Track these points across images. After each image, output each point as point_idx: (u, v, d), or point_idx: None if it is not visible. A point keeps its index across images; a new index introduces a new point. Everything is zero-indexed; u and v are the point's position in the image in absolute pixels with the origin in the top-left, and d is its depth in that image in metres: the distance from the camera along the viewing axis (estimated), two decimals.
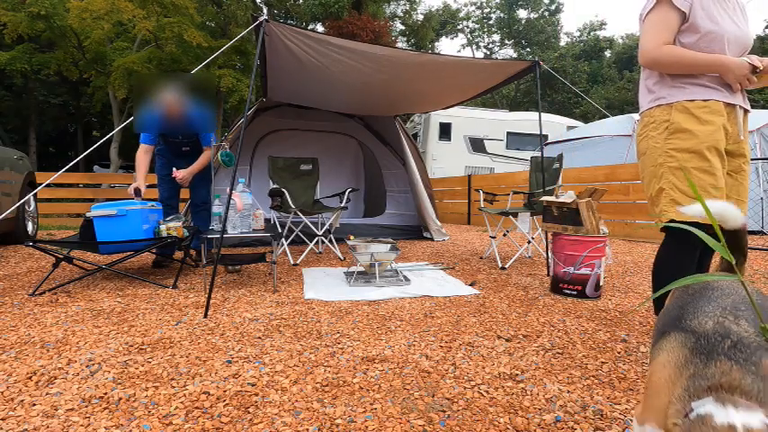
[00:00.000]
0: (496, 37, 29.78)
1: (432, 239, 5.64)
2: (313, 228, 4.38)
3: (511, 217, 3.87)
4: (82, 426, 1.19)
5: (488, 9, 29.16)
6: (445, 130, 10.86)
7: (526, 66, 3.72)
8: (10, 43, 12.32)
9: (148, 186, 4.02)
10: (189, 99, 3.25)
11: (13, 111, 17.08)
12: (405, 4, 23.63)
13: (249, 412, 1.28)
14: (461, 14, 29.31)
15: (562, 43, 27.89)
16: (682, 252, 1.58)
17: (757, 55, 1.57)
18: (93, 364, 1.59)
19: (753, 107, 1.83)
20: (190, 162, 3.36)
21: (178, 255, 3.63)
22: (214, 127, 3.47)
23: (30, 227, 4.91)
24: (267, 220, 3.41)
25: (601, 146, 6.59)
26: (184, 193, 3.65)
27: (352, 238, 3.60)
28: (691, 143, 1.52)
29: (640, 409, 0.77)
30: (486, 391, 1.43)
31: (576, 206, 2.72)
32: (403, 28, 24.24)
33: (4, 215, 3.33)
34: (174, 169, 3.27)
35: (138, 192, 3.11)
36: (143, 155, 3.29)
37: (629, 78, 24.78)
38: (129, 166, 14.42)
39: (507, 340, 1.91)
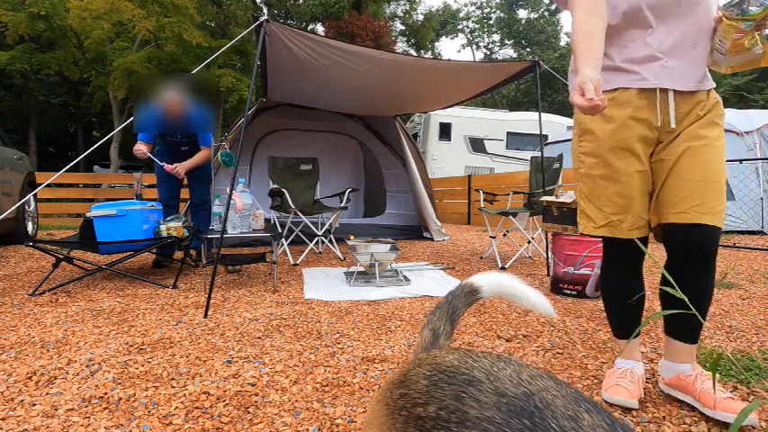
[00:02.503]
0: (496, 37, 29.77)
1: (432, 239, 5.64)
2: (313, 228, 4.38)
3: (511, 217, 3.88)
4: (82, 426, 1.19)
5: (488, 9, 29.15)
6: (445, 130, 10.85)
7: (526, 66, 3.72)
8: (10, 43, 12.31)
9: (148, 186, 4.02)
10: (188, 99, 3.26)
11: (13, 111, 17.07)
12: (405, 4, 23.63)
13: (249, 412, 1.28)
14: (461, 14, 29.30)
15: (562, 43, 27.83)
16: (609, 266, 1.44)
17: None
18: (93, 364, 1.59)
19: (752, 107, 1.67)
20: None
21: (178, 255, 3.63)
22: (213, 127, 3.48)
23: (30, 227, 4.91)
24: (267, 220, 3.41)
25: None
26: (184, 194, 3.65)
27: (352, 238, 3.60)
28: (593, 146, 1.32)
29: None
30: None
31: (576, 206, 2.72)
32: (403, 28, 24.24)
33: (4, 215, 3.33)
34: (164, 164, 3.27)
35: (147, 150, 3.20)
36: (141, 144, 3.31)
37: None
38: (129, 166, 14.42)
39: (507, 340, 1.91)
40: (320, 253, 4.52)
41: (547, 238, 3.45)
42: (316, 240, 4.46)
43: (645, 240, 1.34)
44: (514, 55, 28.32)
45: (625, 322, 1.43)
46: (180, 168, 3.29)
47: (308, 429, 1.19)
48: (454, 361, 0.51)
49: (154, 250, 3.37)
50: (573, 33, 1.21)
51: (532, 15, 28.07)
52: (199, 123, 3.32)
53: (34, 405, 1.30)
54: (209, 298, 2.28)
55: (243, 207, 2.80)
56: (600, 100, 1.02)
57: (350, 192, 4.43)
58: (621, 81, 1.28)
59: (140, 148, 3.21)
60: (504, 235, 4.45)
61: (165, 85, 3.21)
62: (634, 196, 1.29)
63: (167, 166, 3.24)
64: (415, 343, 0.74)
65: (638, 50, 1.26)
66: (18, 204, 3.98)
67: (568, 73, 1.40)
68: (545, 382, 0.45)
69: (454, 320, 0.73)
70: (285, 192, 4.05)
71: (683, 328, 1.31)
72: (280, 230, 4.27)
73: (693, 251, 1.24)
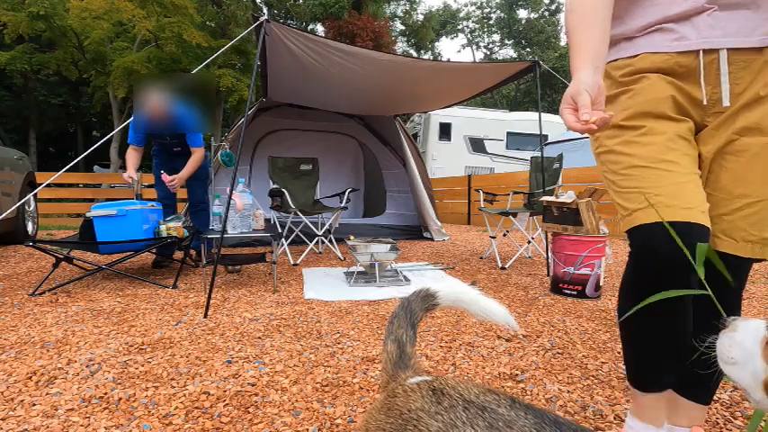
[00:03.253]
0: (496, 37, 29.79)
1: (432, 239, 5.64)
2: (313, 228, 4.38)
3: (511, 217, 3.88)
4: (82, 426, 1.19)
5: (488, 9, 29.18)
6: (445, 130, 10.85)
7: (526, 66, 3.72)
8: (10, 43, 12.31)
9: (147, 186, 4.03)
10: (173, 99, 3.19)
11: (13, 111, 17.07)
12: (405, 4, 23.65)
13: (249, 412, 1.28)
14: (461, 14, 29.34)
15: (562, 43, 27.82)
16: (641, 278, 0.93)
17: None
18: (93, 364, 1.59)
19: None
20: (184, 162, 3.33)
21: (178, 255, 3.63)
22: (201, 127, 3.43)
23: (30, 227, 4.91)
24: (267, 220, 3.41)
25: None
26: (183, 194, 3.64)
27: (352, 238, 3.60)
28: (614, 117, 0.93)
29: None
30: None
31: (576, 206, 2.72)
32: (403, 28, 24.26)
33: (4, 215, 3.33)
34: (163, 173, 3.27)
35: (131, 180, 3.21)
36: (132, 152, 3.33)
37: None
38: None
39: (507, 340, 1.91)
40: (320, 253, 4.52)
41: (547, 238, 3.45)
42: (316, 240, 4.46)
43: (705, 232, 0.84)
44: (514, 55, 28.32)
45: (653, 365, 0.95)
46: (177, 181, 3.26)
47: (307, 429, 1.19)
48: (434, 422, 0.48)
49: (154, 250, 3.37)
50: (566, 12, 0.91)
51: (532, 15, 28.09)
52: (185, 124, 3.27)
53: (34, 405, 1.30)
54: (209, 298, 2.28)
55: (243, 207, 2.80)
56: (599, 121, 0.73)
57: (350, 192, 4.44)
58: (646, 45, 0.92)
59: (127, 173, 3.24)
60: (504, 235, 4.45)
61: (150, 86, 3.19)
62: (683, 172, 0.86)
63: (165, 178, 3.23)
64: (381, 359, 0.72)
65: (672, 5, 0.88)
66: (18, 204, 3.98)
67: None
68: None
69: (415, 324, 0.71)
70: (285, 192, 4.05)
71: (700, 383, 0.97)
72: (280, 230, 4.27)
73: (737, 293, 0.95)
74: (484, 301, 0.69)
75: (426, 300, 0.72)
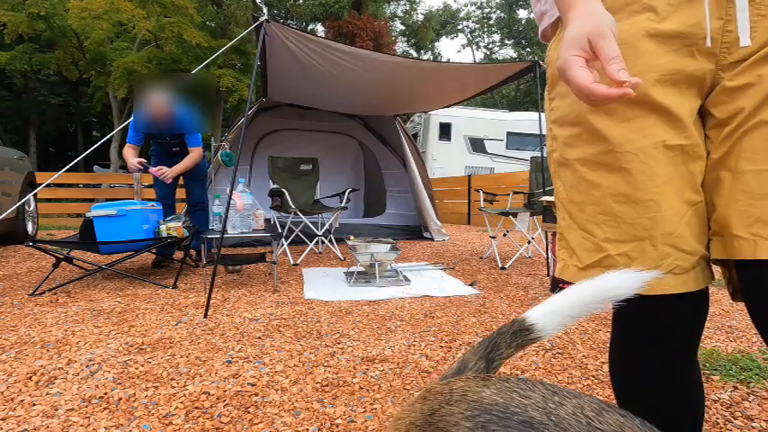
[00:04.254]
0: (496, 37, 29.78)
1: (432, 239, 5.64)
2: (313, 228, 4.38)
3: (511, 217, 3.88)
4: (82, 426, 1.19)
5: (488, 9, 29.17)
6: (445, 130, 10.85)
7: (526, 66, 3.72)
8: (10, 43, 12.31)
9: (147, 186, 4.03)
10: (174, 99, 3.21)
11: (13, 111, 17.08)
12: (405, 4, 23.66)
13: (249, 412, 1.28)
14: (461, 14, 29.32)
15: None
16: (628, 344, 0.72)
17: None
18: (93, 364, 1.59)
19: None
20: None
21: (178, 255, 3.63)
22: (200, 127, 3.44)
23: (30, 227, 4.91)
24: (267, 220, 3.41)
25: None
26: (182, 194, 3.64)
27: (352, 238, 3.60)
28: (567, 104, 0.68)
29: None
30: None
31: None
32: (403, 28, 24.26)
33: (4, 215, 3.33)
34: (150, 167, 3.26)
35: (141, 165, 3.20)
36: (130, 149, 3.31)
37: None
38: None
39: None
40: (320, 253, 4.52)
41: (547, 238, 3.45)
42: (316, 240, 4.46)
43: (700, 297, 0.64)
44: (514, 55, 28.31)
45: None
46: (169, 173, 3.24)
47: (307, 429, 1.19)
48: (496, 397, 0.40)
49: (154, 250, 3.37)
50: None
51: (532, 15, 27.99)
52: (185, 124, 3.28)
53: (34, 405, 1.30)
54: (209, 298, 2.28)
55: (243, 207, 2.80)
56: (633, 82, 0.48)
57: (350, 192, 4.44)
58: None
59: (130, 162, 3.21)
60: (504, 235, 4.45)
61: (151, 86, 3.19)
62: (657, 200, 0.60)
63: (152, 169, 3.21)
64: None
65: None
66: (18, 204, 3.98)
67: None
68: (615, 416, 0.36)
69: (491, 360, 0.55)
70: (285, 192, 4.05)
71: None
72: (280, 230, 4.27)
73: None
74: (593, 289, 0.50)
75: (519, 335, 0.55)
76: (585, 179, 0.65)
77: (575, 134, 0.67)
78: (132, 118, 3.22)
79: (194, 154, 3.33)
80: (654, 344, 0.67)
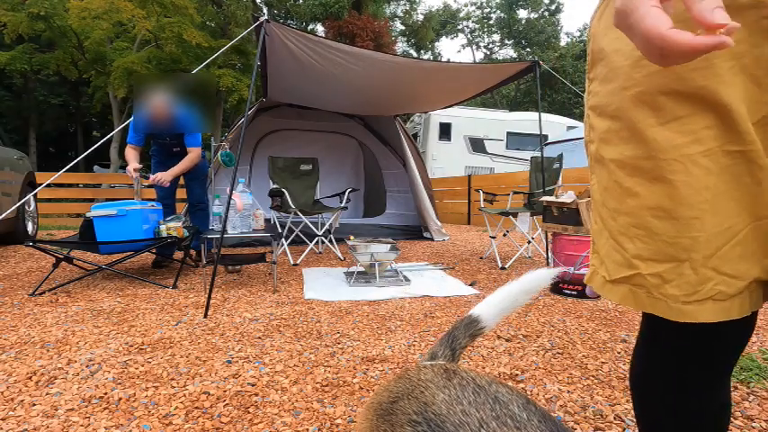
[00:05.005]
0: (496, 37, 29.78)
1: (432, 239, 5.64)
2: (313, 228, 4.38)
3: (511, 217, 3.88)
4: (82, 426, 1.19)
5: (488, 9, 29.17)
6: (445, 130, 10.85)
7: (526, 66, 3.73)
8: (10, 43, 12.31)
9: (147, 186, 4.03)
10: (174, 99, 3.21)
11: (13, 111, 17.07)
12: (405, 4, 23.65)
13: (249, 412, 1.28)
14: (461, 14, 29.33)
15: (562, 43, 27.83)
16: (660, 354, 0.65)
17: None
18: (93, 364, 1.59)
19: None
20: None
21: (178, 255, 3.63)
22: (200, 128, 3.44)
23: (30, 227, 4.91)
24: (267, 220, 3.41)
25: None
26: (182, 194, 3.64)
27: (352, 238, 3.60)
28: (609, 91, 0.58)
29: None
30: None
31: (576, 206, 2.72)
32: (403, 28, 24.26)
33: (4, 215, 3.33)
34: (149, 175, 3.28)
35: (137, 171, 3.23)
36: (131, 150, 3.33)
37: None
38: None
39: (507, 340, 1.91)
40: (320, 253, 4.52)
41: (547, 238, 3.45)
42: (316, 240, 4.46)
43: (747, 318, 0.57)
44: (514, 55, 28.32)
45: None
46: (166, 177, 3.23)
47: (307, 429, 1.19)
48: (443, 406, 0.44)
49: (154, 250, 3.37)
50: None
51: (532, 15, 28.08)
52: (184, 124, 3.28)
53: (34, 405, 1.30)
54: (209, 298, 2.28)
55: (243, 207, 2.80)
56: (732, 26, 0.37)
57: (350, 192, 4.44)
58: None
59: (128, 168, 3.25)
60: (504, 235, 4.45)
61: (152, 86, 3.20)
62: (702, 217, 0.50)
63: (151, 177, 3.23)
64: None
65: None
66: (18, 204, 3.98)
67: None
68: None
69: (455, 349, 0.68)
70: (285, 192, 4.05)
71: None
72: (280, 230, 4.27)
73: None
74: (519, 285, 0.64)
75: (470, 327, 0.68)
76: (621, 185, 0.56)
77: (613, 129, 0.57)
78: (132, 118, 3.22)
79: (192, 155, 3.33)
80: (692, 366, 0.62)
